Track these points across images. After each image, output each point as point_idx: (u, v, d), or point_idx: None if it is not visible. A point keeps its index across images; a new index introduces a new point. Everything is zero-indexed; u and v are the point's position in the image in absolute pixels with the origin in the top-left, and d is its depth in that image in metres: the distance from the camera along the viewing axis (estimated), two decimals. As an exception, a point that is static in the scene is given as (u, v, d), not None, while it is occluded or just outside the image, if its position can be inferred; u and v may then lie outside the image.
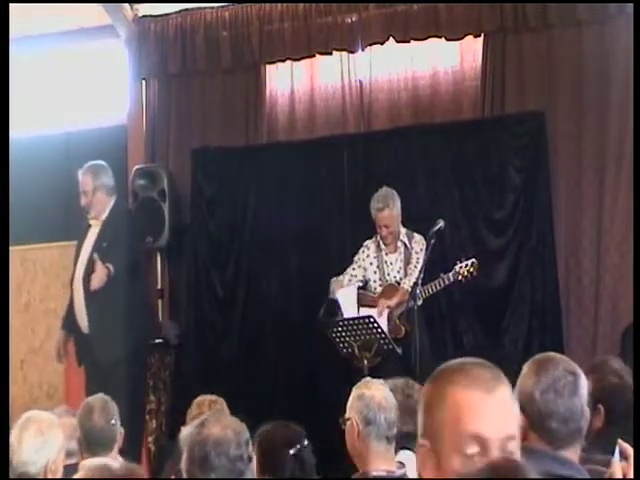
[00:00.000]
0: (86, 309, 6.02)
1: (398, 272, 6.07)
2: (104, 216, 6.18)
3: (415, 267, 5.93)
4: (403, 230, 6.14)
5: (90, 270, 5.97)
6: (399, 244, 6.12)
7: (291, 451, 3.25)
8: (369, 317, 5.78)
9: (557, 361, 2.68)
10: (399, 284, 6.01)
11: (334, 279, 6.23)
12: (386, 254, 6.13)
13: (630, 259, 6.20)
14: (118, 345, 5.92)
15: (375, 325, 5.71)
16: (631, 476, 2.42)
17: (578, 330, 6.53)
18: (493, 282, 6.61)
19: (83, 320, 6.06)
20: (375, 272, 6.14)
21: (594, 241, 6.56)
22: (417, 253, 6.03)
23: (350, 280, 6.18)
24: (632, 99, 6.18)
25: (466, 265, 5.87)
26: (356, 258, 6.22)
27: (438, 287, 5.87)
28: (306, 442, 3.32)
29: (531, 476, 1.54)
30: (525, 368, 2.68)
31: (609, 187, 6.55)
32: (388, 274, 6.09)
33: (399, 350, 5.83)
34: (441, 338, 6.53)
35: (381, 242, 6.15)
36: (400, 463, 3.45)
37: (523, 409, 2.56)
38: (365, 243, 6.23)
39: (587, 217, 6.60)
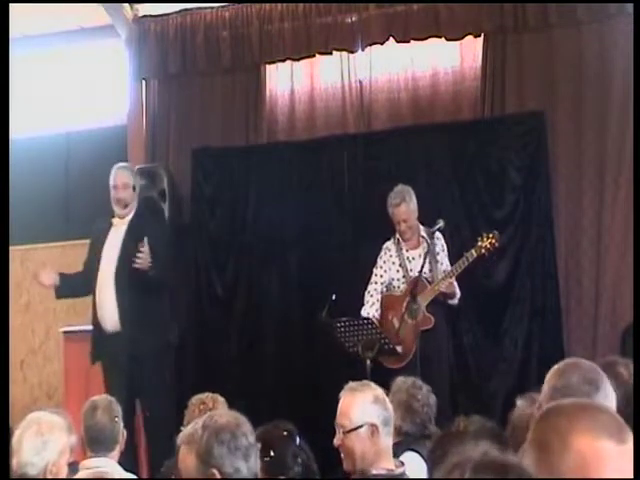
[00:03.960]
0: (117, 306, 6.05)
1: (422, 267, 6.03)
2: (130, 217, 6.23)
3: (442, 265, 5.98)
4: (422, 227, 6.13)
5: (125, 267, 6.01)
6: (420, 240, 6.07)
7: (288, 449, 3.26)
8: (367, 319, 5.80)
9: (577, 368, 2.67)
10: (428, 281, 5.95)
11: (367, 293, 6.15)
12: (407, 250, 6.10)
13: (630, 259, 6.20)
14: (150, 341, 6.01)
15: (374, 327, 5.72)
16: None
17: (578, 330, 6.53)
18: (493, 282, 6.61)
19: (109, 318, 6.08)
20: (398, 270, 6.09)
21: (594, 241, 6.56)
22: (438, 254, 6.03)
23: (382, 287, 6.15)
24: (632, 99, 6.19)
25: (487, 237, 5.88)
26: (380, 263, 6.14)
27: (463, 266, 5.88)
28: (299, 440, 3.33)
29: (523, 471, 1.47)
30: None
31: (609, 187, 6.55)
32: (411, 270, 6.01)
33: (399, 350, 5.84)
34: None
35: (400, 240, 6.13)
36: (399, 462, 3.44)
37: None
38: (385, 245, 6.17)
39: (587, 217, 6.60)
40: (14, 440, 3.38)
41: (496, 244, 5.92)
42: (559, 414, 1.57)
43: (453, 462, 1.48)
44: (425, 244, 5.99)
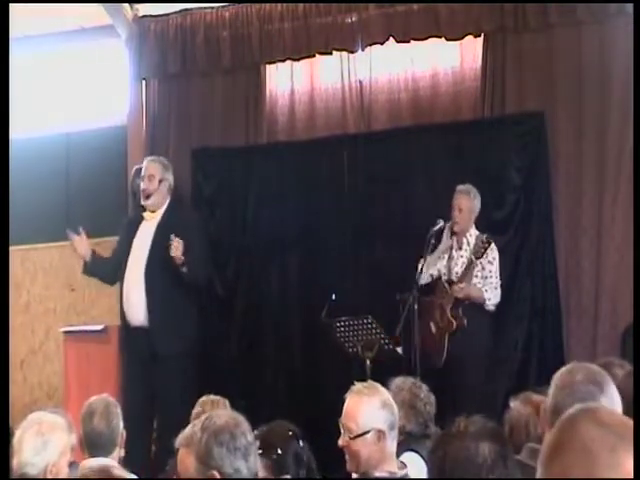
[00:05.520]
0: (147, 302, 6.07)
1: (461, 267, 6.05)
2: (161, 211, 6.22)
3: (485, 274, 6.00)
4: (475, 232, 6.13)
5: (156, 263, 6.03)
6: (464, 240, 6.11)
7: (292, 448, 3.25)
8: (367, 317, 5.80)
9: (584, 368, 2.71)
10: (451, 283, 5.99)
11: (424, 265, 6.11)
12: (455, 250, 6.15)
13: (630, 259, 6.20)
14: (178, 339, 6.03)
15: (374, 326, 5.73)
16: None
17: (578, 330, 6.52)
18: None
19: (135, 312, 6.10)
20: (445, 265, 6.15)
21: (594, 241, 6.56)
22: (490, 263, 6.02)
23: (437, 270, 6.18)
24: (632, 99, 6.18)
25: (482, 242, 5.89)
26: (442, 247, 6.21)
27: (466, 269, 5.94)
28: (302, 442, 3.31)
29: None
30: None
31: (609, 187, 6.55)
32: (452, 268, 6.09)
33: (399, 350, 5.84)
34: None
35: (455, 239, 6.15)
36: (402, 463, 3.44)
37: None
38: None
39: (587, 217, 6.60)
40: (15, 440, 3.38)
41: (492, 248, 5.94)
42: (602, 425, 1.63)
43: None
44: (468, 247, 6.04)
